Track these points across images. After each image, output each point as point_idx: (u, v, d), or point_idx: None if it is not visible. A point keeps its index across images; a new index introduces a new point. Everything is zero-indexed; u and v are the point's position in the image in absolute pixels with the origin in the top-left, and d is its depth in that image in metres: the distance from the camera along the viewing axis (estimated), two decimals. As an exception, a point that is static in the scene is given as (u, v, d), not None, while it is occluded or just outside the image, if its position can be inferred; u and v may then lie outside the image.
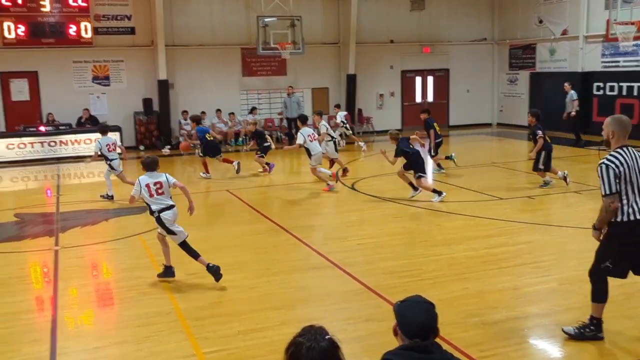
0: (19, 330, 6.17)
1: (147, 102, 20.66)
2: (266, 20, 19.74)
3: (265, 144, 14.96)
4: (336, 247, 8.64)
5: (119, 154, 12.72)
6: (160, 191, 7.22)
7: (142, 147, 20.32)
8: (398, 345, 2.96)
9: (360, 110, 23.43)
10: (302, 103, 21.73)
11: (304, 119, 13.51)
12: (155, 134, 20.81)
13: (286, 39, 19.81)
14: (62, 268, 8.10)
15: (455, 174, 14.12)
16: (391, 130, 12.88)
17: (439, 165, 14.52)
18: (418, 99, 24.64)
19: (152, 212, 7.28)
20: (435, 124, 14.02)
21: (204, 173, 14.70)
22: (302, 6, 20.62)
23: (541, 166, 12.02)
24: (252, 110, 21.62)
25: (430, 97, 24.75)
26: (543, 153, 11.93)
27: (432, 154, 14.19)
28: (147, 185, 7.18)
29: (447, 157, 14.45)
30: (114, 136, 14.76)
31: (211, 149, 14.72)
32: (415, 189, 11.46)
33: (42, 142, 18.58)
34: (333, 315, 6.23)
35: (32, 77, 19.79)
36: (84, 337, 6.06)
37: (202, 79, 21.25)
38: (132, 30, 20.51)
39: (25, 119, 19.17)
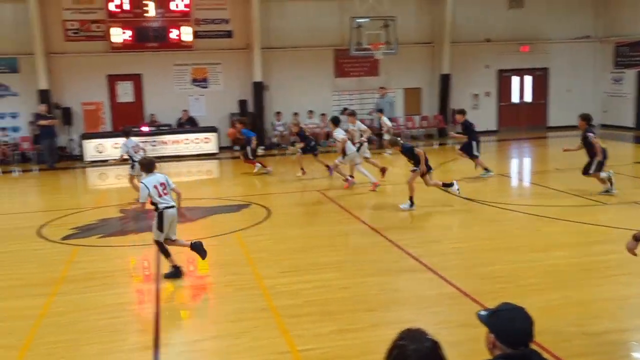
0: (125, 321, 6.50)
1: (242, 104, 21.23)
2: (360, 21, 19.77)
3: (312, 144, 15.20)
4: (430, 250, 8.52)
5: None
6: (165, 192, 7.73)
7: (236, 148, 20.86)
8: (499, 355, 2.87)
9: (453, 111, 22.98)
10: (394, 104, 21.61)
11: (336, 121, 13.78)
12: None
13: (379, 39, 19.76)
14: (163, 263, 8.45)
15: (557, 177, 13.56)
16: (390, 138, 12.80)
17: (486, 169, 13.99)
18: (515, 99, 23.89)
19: (156, 209, 7.71)
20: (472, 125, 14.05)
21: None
22: (396, 6, 20.47)
23: (592, 171, 11.49)
24: (343, 111, 21.70)
25: (528, 97, 23.93)
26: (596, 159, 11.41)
27: (476, 154, 13.97)
28: (155, 187, 7.63)
29: (486, 169, 14.05)
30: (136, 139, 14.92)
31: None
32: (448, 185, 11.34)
33: (144, 142, 19.46)
34: (427, 319, 6.14)
35: (137, 80, 20.82)
36: (184, 330, 6.30)
37: (295, 80, 21.57)
38: (229, 34, 21.14)
39: (129, 120, 20.16)
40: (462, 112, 14.52)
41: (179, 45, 20.54)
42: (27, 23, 19.07)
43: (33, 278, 7.94)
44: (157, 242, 7.91)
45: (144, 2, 19.88)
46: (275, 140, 21.41)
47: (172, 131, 20.02)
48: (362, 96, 22.55)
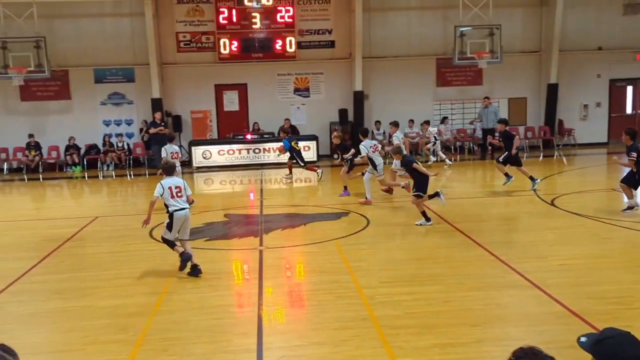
0: (229, 322, 6.72)
1: (342, 113, 21.44)
2: (463, 29, 19.47)
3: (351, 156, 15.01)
4: (535, 266, 8.22)
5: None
6: (179, 194, 8.27)
7: (335, 156, 21.05)
8: None
9: (561, 122, 22.09)
10: (499, 113, 21.04)
11: (364, 132, 13.66)
12: (349, 143, 21.42)
13: (483, 48, 19.37)
14: (265, 267, 8.69)
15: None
16: (393, 148, 12.86)
17: (532, 178, 13.55)
18: (629, 109, 22.61)
19: (167, 211, 8.26)
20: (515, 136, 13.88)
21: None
22: (502, 14, 19.99)
23: None
24: (444, 120, 21.49)
25: (643, 108, 22.60)
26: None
27: (500, 160, 13.82)
28: (170, 188, 8.21)
29: (531, 178, 13.63)
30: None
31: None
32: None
33: (247, 149, 20.12)
34: (533, 338, 5.92)
35: (242, 89, 21.56)
36: (286, 335, 6.43)
37: (395, 89, 21.53)
38: (332, 44, 21.45)
39: (234, 128, 20.93)
40: (503, 121, 14.36)
41: (283, 55, 21.07)
42: (144, 35, 20.25)
43: (145, 277, 8.39)
44: (163, 239, 8.49)
45: (251, 14, 20.59)
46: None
47: (274, 139, 20.52)
48: (463, 105, 22.15)
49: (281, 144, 17.15)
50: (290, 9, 20.85)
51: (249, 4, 20.49)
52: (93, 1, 20.18)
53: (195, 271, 8.24)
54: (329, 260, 8.98)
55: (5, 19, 18.53)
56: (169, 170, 8.56)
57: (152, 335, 6.30)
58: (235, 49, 20.82)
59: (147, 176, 19.12)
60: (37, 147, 20.34)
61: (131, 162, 20.74)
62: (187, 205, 8.38)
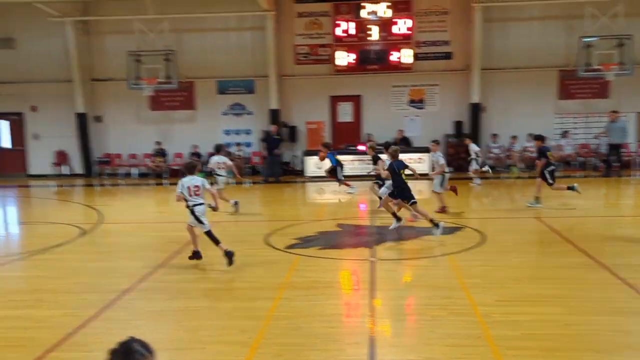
0: (342, 331, 6.79)
1: (457, 125, 21.09)
2: (589, 40, 18.56)
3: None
4: (668, 292, 7.65)
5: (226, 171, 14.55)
6: (197, 192, 9.28)
7: (451, 169, 20.72)
8: None
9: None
10: (626, 129, 19.86)
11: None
12: (463, 156, 21.05)
13: (611, 59, 18.36)
14: (378, 279, 8.70)
15: None
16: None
17: (537, 198, 13.52)
18: None
19: (187, 206, 9.29)
20: (549, 152, 13.75)
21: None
22: (633, 24, 18.86)
23: None
24: (564, 134, 20.54)
25: None
26: None
27: (550, 182, 13.55)
28: (189, 187, 9.21)
29: (570, 188, 13.53)
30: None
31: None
32: (398, 219, 11.29)
33: (360, 160, 20.24)
34: (665, 370, 5.53)
35: (357, 101, 21.78)
36: (398, 348, 6.40)
37: (514, 102, 20.91)
38: (448, 55, 21.19)
39: (348, 138, 21.16)
40: (539, 138, 14.27)
41: (399, 67, 21.08)
42: (264, 48, 21.02)
43: (261, 282, 8.67)
44: (206, 234, 9.37)
45: (368, 26, 20.79)
46: (490, 162, 20.84)
47: (386, 150, 20.52)
48: (587, 119, 21.08)
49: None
50: (408, 20, 20.84)
51: (367, 16, 20.71)
52: (219, 16, 21.20)
53: (197, 255, 9.48)
54: (442, 275, 8.85)
55: (139, 33, 19.93)
56: (190, 170, 9.51)
57: (267, 340, 6.49)
58: (352, 61, 21.10)
59: (262, 183, 19.76)
60: (163, 153, 21.61)
61: (249, 170, 21.53)
62: (203, 201, 9.41)
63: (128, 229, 12.61)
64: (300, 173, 20.94)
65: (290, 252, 10.32)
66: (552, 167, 13.62)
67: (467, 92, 20.99)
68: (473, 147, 17.85)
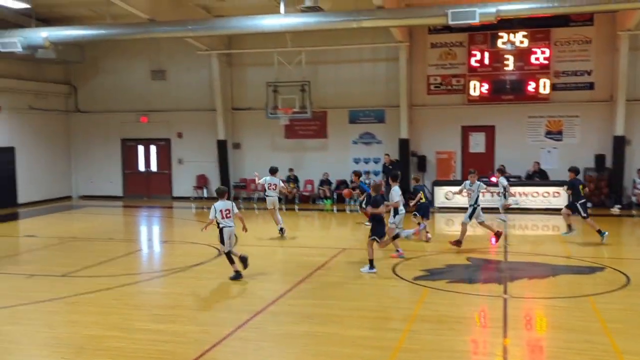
0: (471, 369, 6.60)
1: (599, 158, 19.91)
2: None
3: (420, 202, 14.37)
4: None
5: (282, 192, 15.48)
6: (228, 215, 10.51)
7: (589, 205, 19.58)
8: None
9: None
10: None
11: (395, 177, 13.06)
12: (604, 191, 19.84)
13: None
14: (510, 317, 8.36)
15: None
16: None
17: (600, 232, 13.42)
18: None
19: (218, 226, 10.49)
20: (581, 185, 13.89)
21: None
22: None
23: None
24: None
25: None
26: None
27: (583, 215, 13.77)
28: (221, 211, 10.44)
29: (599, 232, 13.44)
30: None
31: None
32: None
33: (492, 192, 19.62)
34: None
35: (489, 131, 21.25)
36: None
37: (665, 135, 19.40)
38: (590, 86, 20.15)
39: (479, 170, 20.58)
40: (573, 170, 14.22)
41: (535, 97, 20.36)
42: (396, 79, 21.18)
43: (388, 312, 8.66)
44: (225, 253, 10.67)
45: (504, 56, 20.33)
46: (634, 199, 19.45)
47: (520, 183, 19.78)
48: None
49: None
50: (546, 50, 20.13)
51: (503, 46, 20.27)
52: (354, 48, 21.70)
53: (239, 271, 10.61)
54: (581, 318, 8.34)
55: (278, 65, 20.87)
56: (221, 195, 10.71)
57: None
58: (485, 91, 20.69)
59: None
60: (295, 180, 22.29)
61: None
62: (232, 224, 10.57)
63: (260, 252, 13.10)
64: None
65: (418, 284, 10.21)
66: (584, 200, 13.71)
67: (610, 124, 19.77)
68: (502, 182, 17.13)
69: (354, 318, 8.40)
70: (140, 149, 24.88)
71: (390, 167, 20.46)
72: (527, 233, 16.05)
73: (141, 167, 24.98)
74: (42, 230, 17.19)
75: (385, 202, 11.87)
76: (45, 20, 20.87)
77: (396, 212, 12.79)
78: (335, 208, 21.07)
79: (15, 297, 9.58)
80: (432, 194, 20.33)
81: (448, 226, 18.04)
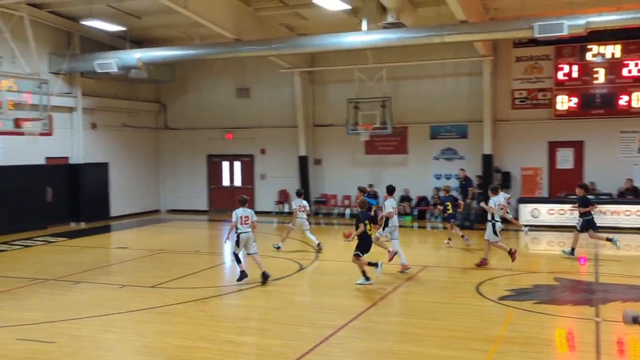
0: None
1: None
2: None
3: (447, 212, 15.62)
4: None
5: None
6: (246, 222, 11.43)
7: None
8: None
9: None
10: None
11: (391, 190, 13.10)
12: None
13: None
14: (603, 342, 8.00)
15: None
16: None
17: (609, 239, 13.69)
18: None
19: (236, 232, 11.38)
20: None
21: None
22: None
23: None
24: None
25: None
26: None
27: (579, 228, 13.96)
28: (240, 217, 11.36)
29: (609, 239, 13.64)
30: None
31: None
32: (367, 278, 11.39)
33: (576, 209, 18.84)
34: None
35: (578, 147, 20.48)
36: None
37: None
38: (690, 98, 19.08)
39: (566, 187, 19.88)
40: (582, 186, 14.38)
41: (628, 111, 19.46)
42: (480, 93, 20.84)
43: (473, 332, 8.46)
44: (232, 254, 11.80)
45: (593, 69, 19.60)
46: None
47: (612, 201, 18.93)
48: None
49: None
50: (640, 62, 19.25)
51: (592, 59, 19.55)
52: (436, 63, 21.53)
53: (265, 277, 11.54)
54: (681, 345, 7.86)
55: (359, 82, 21.01)
56: (242, 203, 11.60)
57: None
58: (574, 105, 19.98)
59: (468, 229, 19.27)
60: (375, 196, 22.24)
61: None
62: (249, 230, 11.44)
63: (341, 267, 13.13)
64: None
65: (503, 304, 9.95)
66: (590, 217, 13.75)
67: None
68: (502, 196, 16.32)
69: (436, 337, 8.27)
70: (225, 164, 25.60)
71: (464, 182, 20.00)
72: (620, 253, 15.26)
73: (225, 182, 25.68)
74: (133, 242, 18.00)
75: (380, 213, 13.00)
76: (138, 42, 22.00)
77: (386, 224, 12.80)
78: (415, 224, 20.86)
79: (109, 307, 10.06)
80: (517, 211, 19.77)
81: (534, 244, 17.46)
